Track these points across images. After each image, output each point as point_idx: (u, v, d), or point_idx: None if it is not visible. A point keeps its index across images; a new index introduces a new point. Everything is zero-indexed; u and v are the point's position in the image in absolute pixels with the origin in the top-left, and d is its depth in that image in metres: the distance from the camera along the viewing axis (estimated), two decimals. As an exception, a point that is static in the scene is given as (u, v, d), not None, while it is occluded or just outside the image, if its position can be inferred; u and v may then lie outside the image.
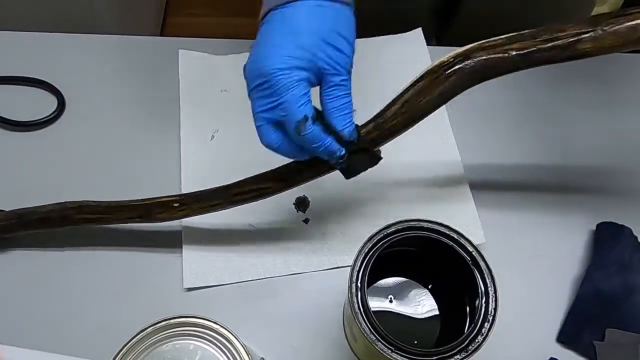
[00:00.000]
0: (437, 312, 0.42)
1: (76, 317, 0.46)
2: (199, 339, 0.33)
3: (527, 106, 0.57)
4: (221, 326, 0.33)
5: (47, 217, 0.46)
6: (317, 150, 0.37)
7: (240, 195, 0.43)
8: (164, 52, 0.60)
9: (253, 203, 0.46)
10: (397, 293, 0.42)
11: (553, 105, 0.57)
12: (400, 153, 0.54)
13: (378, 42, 0.61)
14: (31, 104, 0.56)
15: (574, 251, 0.49)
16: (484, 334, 0.34)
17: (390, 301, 0.42)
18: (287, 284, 0.47)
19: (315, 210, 0.51)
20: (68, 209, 0.45)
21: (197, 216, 0.49)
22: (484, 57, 0.36)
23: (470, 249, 0.37)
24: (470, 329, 0.34)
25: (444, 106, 0.56)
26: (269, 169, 0.43)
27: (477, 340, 0.34)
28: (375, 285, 0.42)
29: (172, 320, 0.33)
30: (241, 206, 0.49)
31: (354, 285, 0.36)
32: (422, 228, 0.38)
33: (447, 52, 0.37)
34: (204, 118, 0.56)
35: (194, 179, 0.52)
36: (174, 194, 0.45)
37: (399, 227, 0.38)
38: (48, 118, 0.55)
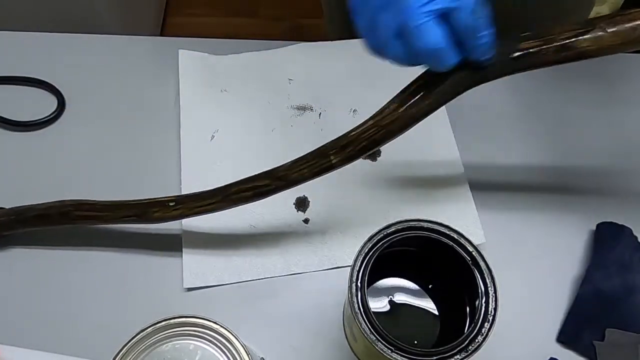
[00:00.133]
0: (437, 312, 0.42)
1: (76, 317, 0.46)
2: (199, 339, 0.33)
3: (527, 106, 0.57)
4: (221, 326, 0.33)
5: (45, 214, 0.46)
6: (482, 41, 0.33)
7: (237, 195, 0.43)
8: (164, 52, 0.60)
9: (253, 203, 0.46)
10: (397, 293, 0.42)
11: (553, 106, 0.57)
12: (400, 153, 0.54)
13: None
14: (31, 104, 0.56)
15: (574, 251, 0.49)
16: (484, 334, 0.34)
17: (390, 301, 0.42)
18: (287, 284, 0.47)
19: (315, 210, 0.51)
20: (66, 207, 0.45)
21: (198, 217, 0.49)
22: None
23: (470, 249, 0.37)
24: (470, 329, 0.34)
25: (444, 106, 0.56)
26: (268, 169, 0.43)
27: (477, 340, 0.34)
28: (375, 285, 0.42)
29: (172, 320, 0.33)
30: (241, 207, 0.49)
31: (354, 285, 0.36)
32: (422, 228, 0.38)
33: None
34: (204, 118, 0.56)
35: (194, 179, 0.52)
36: (171, 195, 0.45)
37: (399, 227, 0.38)
38: (48, 118, 0.55)
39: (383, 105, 0.40)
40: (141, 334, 0.33)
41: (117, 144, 0.55)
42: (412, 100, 0.38)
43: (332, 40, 0.62)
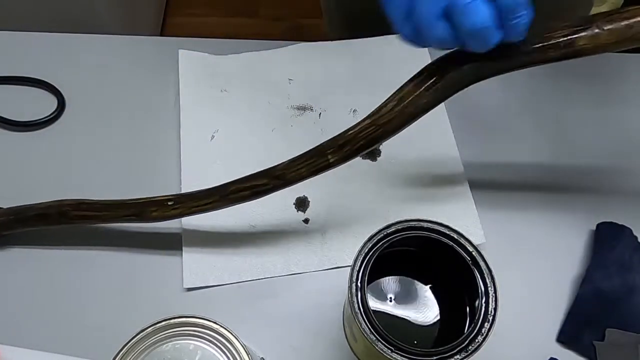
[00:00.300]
0: (437, 312, 0.42)
1: (76, 317, 0.46)
2: (199, 339, 0.33)
3: (527, 106, 0.57)
4: (221, 326, 0.33)
5: (44, 213, 0.46)
6: (522, 19, 0.33)
7: (235, 194, 0.43)
8: (164, 52, 0.60)
9: (253, 203, 0.46)
10: (397, 293, 0.42)
11: (553, 106, 0.57)
12: (400, 153, 0.54)
13: (378, 42, 0.61)
14: (31, 104, 0.56)
15: (574, 251, 0.49)
16: (484, 334, 0.34)
17: (390, 301, 0.42)
18: (287, 284, 0.47)
19: (315, 210, 0.51)
20: (65, 206, 0.45)
21: (198, 218, 0.49)
22: (481, 57, 0.36)
23: (470, 249, 0.37)
24: (470, 329, 0.34)
25: (443, 106, 0.56)
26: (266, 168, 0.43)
27: (477, 340, 0.34)
28: (375, 285, 0.42)
29: (172, 320, 0.33)
30: (241, 207, 0.49)
31: (354, 285, 0.36)
32: (422, 228, 0.38)
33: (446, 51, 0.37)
34: (204, 118, 0.56)
35: (194, 179, 0.52)
36: (169, 193, 0.45)
37: (399, 227, 0.38)
38: (48, 118, 0.55)
39: (380, 103, 0.40)
40: (141, 334, 0.33)
41: (117, 144, 0.55)
42: (410, 98, 0.38)
43: (332, 40, 0.62)
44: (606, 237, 0.48)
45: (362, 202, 0.51)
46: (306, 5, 1.55)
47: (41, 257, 0.48)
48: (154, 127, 0.55)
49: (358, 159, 0.54)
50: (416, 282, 0.43)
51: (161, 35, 1.53)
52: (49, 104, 0.56)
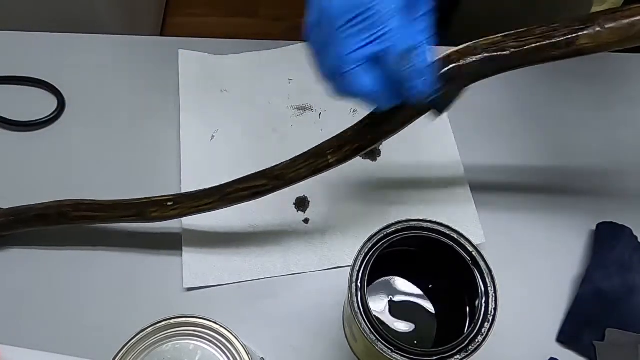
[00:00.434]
0: (436, 312, 0.42)
1: (76, 317, 0.46)
2: (199, 339, 0.33)
3: (527, 106, 0.57)
4: (221, 326, 0.33)
5: (44, 214, 0.46)
6: (415, 87, 0.33)
7: (235, 194, 0.43)
8: (164, 52, 0.60)
9: (253, 203, 0.46)
10: (397, 293, 0.42)
11: (553, 106, 0.57)
12: (400, 153, 0.54)
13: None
14: (31, 104, 0.56)
15: (574, 251, 0.49)
16: (484, 334, 0.34)
17: (390, 301, 0.42)
18: (287, 284, 0.47)
19: (315, 210, 0.51)
20: (65, 207, 0.45)
21: (198, 218, 0.49)
22: (481, 56, 0.36)
23: (470, 249, 0.37)
24: (470, 329, 0.34)
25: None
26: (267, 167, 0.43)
27: (477, 340, 0.34)
28: (375, 285, 0.42)
29: (172, 320, 0.33)
30: (241, 207, 0.49)
31: (354, 285, 0.36)
32: (422, 228, 0.38)
33: (445, 51, 0.37)
34: (204, 118, 0.56)
35: (194, 179, 0.52)
36: (169, 193, 0.45)
37: (399, 227, 0.38)
38: (48, 118, 0.55)
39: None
40: (141, 334, 0.33)
41: (117, 144, 0.55)
42: None
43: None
44: (606, 237, 0.48)
45: (362, 202, 0.51)
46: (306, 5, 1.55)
47: (41, 258, 0.48)
48: (154, 127, 0.55)
49: (358, 159, 0.54)
50: (416, 282, 0.43)
51: (161, 35, 1.53)
52: (49, 104, 0.56)
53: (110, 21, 1.21)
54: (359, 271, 0.37)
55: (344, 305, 0.46)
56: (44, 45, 0.61)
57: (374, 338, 0.34)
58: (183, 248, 0.48)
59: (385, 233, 0.38)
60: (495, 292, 0.36)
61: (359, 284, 0.36)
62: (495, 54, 0.36)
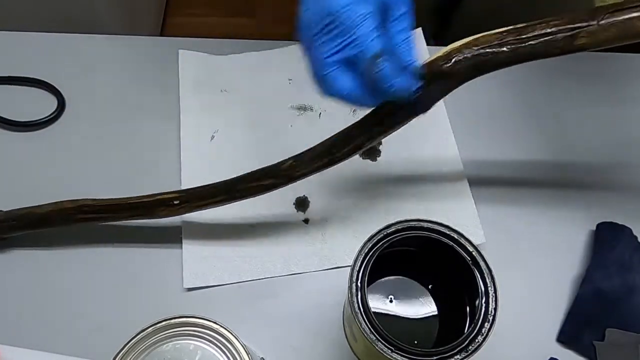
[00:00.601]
0: (437, 312, 0.42)
1: (76, 317, 0.46)
2: (199, 339, 0.33)
3: (527, 105, 0.57)
4: (221, 326, 0.33)
5: (46, 217, 0.46)
6: (391, 89, 0.35)
7: (241, 192, 0.44)
8: (164, 52, 0.60)
9: (253, 203, 0.46)
10: (397, 293, 0.42)
11: (553, 104, 0.57)
12: (400, 153, 0.54)
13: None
14: (31, 104, 0.56)
15: (574, 251, 0.49)
16: (484, 334, 0.34)
17: (391, 301, 0.42)
18: (287, 284, 0.47)
19: (315, 210, 0.51)
20: (68, 209, 0.45)
21: (198, 217, 0.49)
22: (480, 52, 0.36)
23: (470, 249, 0.37)
24: (470, 329, 0.34)
25: (443, 106, 0.56)
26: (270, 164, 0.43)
27: (477, 340, 0.34)
28: (375, 285, 0.42)
29: (172, 320, 0.33)
30: (242, 207, 0.49)
31: (354, 285, 0.36)
32: (422, 228, 0.38)
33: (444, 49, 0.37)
34: (204, 118, 0.56)
35: (194, 179, 0.52)
36: (174, 190, 0.45)
37: (399, 227, 0.38)
38: (48, 118, 0.55)
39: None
40: (141, 334, 0.33)
41: (117, 144, 0.54)
42: None
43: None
44: (606, 237, 0.48)
45: (362, 202, 0.51)
46: (306, 5, 1.55)
47: (41, 258, 0.48)
48: (154, 127, 0.55)
49: (358, 159, 0.54)
50: (416, 282, 0.43)
51: (161, 35, 1.53)
52: (49, 104, 0.56)
53: (110, 21, 1.21)
54: (359, 271, 0.37)
55: (344, 305, 0.46)
56: (44, 45, 0.61)
57: (374, 338, 0.34)
58: (183, 248, 0.48)
59: (385, 233, 0.38)
60: (495, 292, 0.36)
61: (359, 284, 0.36)
62: (494, 49, 0.36)
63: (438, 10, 0.70)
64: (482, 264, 0.36)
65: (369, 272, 0.36)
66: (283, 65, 0.59)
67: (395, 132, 0.40)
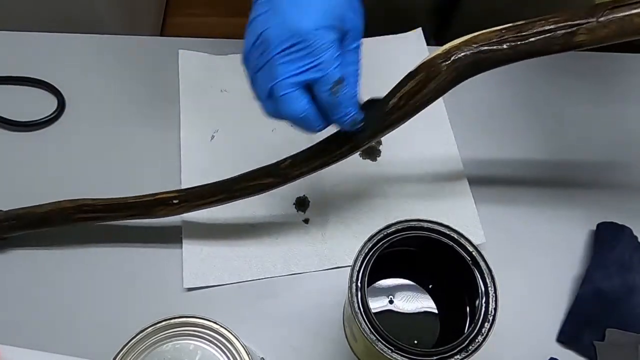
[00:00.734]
0: (437, 312, 0.42)
1: (76, 317, 0.46)
2: (199, 339, 0.33)
3: (527, 104, 0.57)
4: (221, 326, 0.33)
5: (46, 217, 0.46)
6: (344, 116, 0.36)
7: (241, 191, 0.44)
8: (164, 52, 0.60)
9: (253, 203, 0.46)
10: (397, 293, 0.42)
11: (554, 104, 0.57)
12: (400, 153, 0.54)
13: (378, 42, 0.60)
14: (31, 104, 0.56)
15: (574, 251, 0.49)
16: (484, 334, 0.34)
17: (390, 301, 0.42)
18: (287, 284, 0.47)
19: (315, 210, 0.51)
20: (67, 209, 0.45)
21: (198, 217, 0.49)
22: (479, 49, 0.36)
23: (470, 249, 0.37)
24: (470, 329, 0.34)
25: (443, 106, 0.56)
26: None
27: (477, 340, 0.34)
28: (375, 285, 0.42)
29: (172, 320, 0.33)
30: (242, 207, 0.49)
31: (354, 285, 0.36)
32: (422, 228, 0.38)
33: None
34: (204, 118, 0.56)
35: (194, 180, 0.52)
36: (173, 189, 0.45)
37: (399, 227, 0.38)
38: (48, 118, 0.55)
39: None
40: (141, 334, 0.33)
41: (117, 144, 0.54)
42: (407, 94, 0.38)
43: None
44: (606, 237, 0.48)
45: (362, 202, 0.51)
46: (306, 5, 1.55)
47: (41, 258, 0.48)
48: (154, 127, 0.55)
49: (358, 159, 0.54)
50: (416, 282, 0.43)
51: (161, 35, 1.53)
52: (49, 104, 0.56)
53: (110, 21, 1.21)
54: (359, 271, 0.37)
55: (344, 305, 0.46)
56: (44, 45, 0.61)
57: (374, 338, 0.34)
58: (183, 248, 0.48)
59: (385, 233, 0.38)
60: (495, 292, 0.36)
61: (359, 284, 0.36)
62: (493, 47, 0.36)
63: (438, 10, 0.70)
64: (482, 264, 0.36)
65: (369, 272, 0.36)
66: (283, 65, 0.59)
67: (393, 131, 0.40)
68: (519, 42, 0.35)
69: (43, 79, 0.57)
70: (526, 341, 0.45)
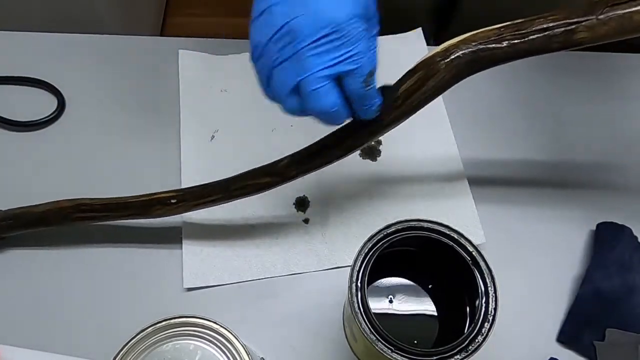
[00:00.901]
0: (436, 312, 0.42)
1: (76, 317, 0.46)
2: (199, 339, 0.33)
3: (527, 104, 0.57)
4: (221, 326, 0.33)
5: (44, 216, 0.46)
6: (371, 106, 0.35)
7: (238, 191, 0.44)
8: (164, 52, 0.60)
9: (253, 203, 0.46)
10: (397, 293, 0.42)
11: (555, 104, 0.57)
12: (400, 153, 0.54)
13: (378, 42, 0.60)
14: (31, 104, 0.56)
15: (574, 251, 0.49)
16: (484, 334, 0.34)
17: (390, 301, 0.42)
18: (287, 284, 0.47)
19: (315, 210, 0.51)
20: (65, 208, 0.45)
21: (198, 217, 0.49)
22: (478, 47, 0.36)
23: (470, 249, 0.37)
24: (470, 329, 0.34)
25: (443, 105, 0.56)
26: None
27: (477, 340, 0.34)
28: (375, 285, 0.42)
29: (172, 320, 0.33)
30: (241, 207, 0.49)
31: (354, 285, 0.36)
32: (422, 228, 0.38)
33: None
34: (204, 118, 0.56)
35: (194, 180, 0.52)
36: (171, 189, 0.45)
37: (399, 227, 0.38)
38: (48, 118, 0.55)
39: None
40: (141, 334, 0.33)
41: (117, 144, 0.54)
42: (406, 93, 0.38)
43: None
44: (606, 237, 0.48)
45: (362, 202, 0.51)
46: (306, 5, 1.55)
47: (41, 258, 0.48)
48: (154, 127, 0.55)
49: (358, 158, 0.54)
50: (416, 282, 0.43)
51: (161, 35, 1.53)
52: (49, 104, 0.56)
53: (110, 21, 1.21)
54: (359, 271, 0.37)
55: (344, 305, 0.46)
56: (44, 45, 0.61)
57: (374, 338, 0.34)
58: (183, 248, 0.48)
59: (385, 233, 0.38)
60: (495, 292, 0.36)
61: (359, 284, 0.36)
62: (492, 45, 0.36)
63: (438, 11, 0.70)
64: (482, 264, 0.36)
65: (369, 272, 0.36)
66: (283, 65, 0.59)
67: (391, 130, 0.40)
68: (517, 40, 0.35)
69: (43, 79, 0.57)
70: (526, 341, 0.45)
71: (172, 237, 0.49)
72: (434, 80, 0.37)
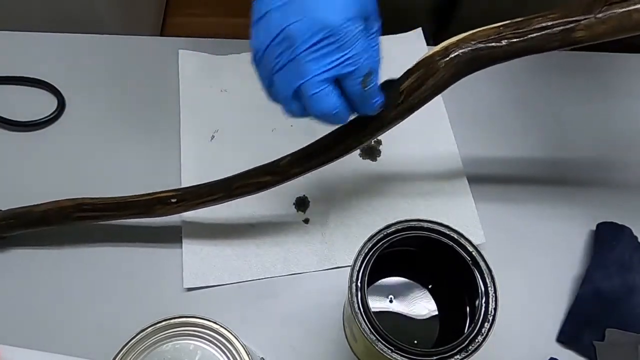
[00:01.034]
0: (437, 312, 0.42)
1: (76, 317, 0.46)
2: (199, 339, 0.33)
3: (527, 104, 0.57)
4: (221, 326, 0.33)
5: (45, 216, 0.46)
6: (372, 105, 0.35)
7: (239, 190, 0.44)
8: (164, 52, 0.60)
9: (253, 203, 0.46)
10: (397, 293, 0.42)
11: (555, 103, 0.57)
12: (400, 153, 0.54)
13: (379, 39, 0.60)
14: (31, 104, 0.56)
15: (574, 251, 0.49)
16: (484, 334, 0.34)
17: (391, 301, 0.42)
18: (287, 284, 0.47)
19: (315, 210, 0.51)
20: (66, 208, 0.45)
21: (198, 217, 0.49)
22: (477, 46, 0.36)
23: (470, 249, 0.37)
24: (470, 329, 0.34)
25: (443, 105, 0.56)
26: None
27: (477, 340, 0.34)
28: (375, 285, 0.42)
29: (172, 320, 0.33)
30: (241, 206, 0.49)
31: (354, 285, 0.36)
32: (422, 228, 0.38)
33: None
34: (204, 118, 0.56)
35: (194, 179, 0.51)
36: (172, 188, 0.45)
37: (399, 227, 0.38)
38: (48, 118, 0.55)
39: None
40: (141, 334, 0.33)
41: (117, 144, 0.54)
42: (406, 92, 0.38)
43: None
44: (606, 237, 0.48)
45: (362, 202, 0.51)
46: (306, 5, 1.55)
47: (41, 258, 0.48)
48: (153, 127, 0.55)
49: (358, 158, 0.54)
50: (416, 282, 0.43)
51: (161, 35, 1.53)
52: (49, 104, 0.56)
53: (110, 21, 1.21)
54: (359, 271, 0.37)
55: (344, 305, 0.46)
56: (44, 45, 0.61)
57: (374, 338, 0.34)
58: (183, 248, 0.48)
59: (385, 233, 0.38)
60: (495, 292, 0.36)
61: (359, 284, 0.36)
62: (492, 44, 0.36)
63: (438, 11, 0.70)
64: (482, 264, 0.36)
65: (369, 272, 0.36)
66: (283, 65, 0.59)
67: (391, 130, 0.40)
68: (517, 39, 0.35)
69: (43, 79, 0.57)
70: (526, 341, 0.45)
71: (172, 236, 0.49)
72: (434, 79, 0.37)
